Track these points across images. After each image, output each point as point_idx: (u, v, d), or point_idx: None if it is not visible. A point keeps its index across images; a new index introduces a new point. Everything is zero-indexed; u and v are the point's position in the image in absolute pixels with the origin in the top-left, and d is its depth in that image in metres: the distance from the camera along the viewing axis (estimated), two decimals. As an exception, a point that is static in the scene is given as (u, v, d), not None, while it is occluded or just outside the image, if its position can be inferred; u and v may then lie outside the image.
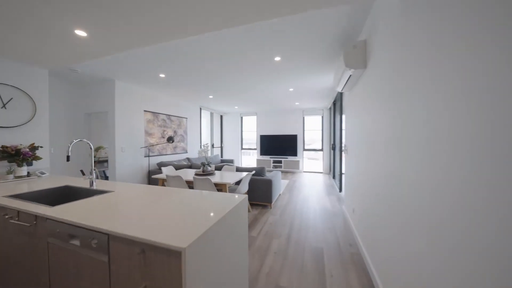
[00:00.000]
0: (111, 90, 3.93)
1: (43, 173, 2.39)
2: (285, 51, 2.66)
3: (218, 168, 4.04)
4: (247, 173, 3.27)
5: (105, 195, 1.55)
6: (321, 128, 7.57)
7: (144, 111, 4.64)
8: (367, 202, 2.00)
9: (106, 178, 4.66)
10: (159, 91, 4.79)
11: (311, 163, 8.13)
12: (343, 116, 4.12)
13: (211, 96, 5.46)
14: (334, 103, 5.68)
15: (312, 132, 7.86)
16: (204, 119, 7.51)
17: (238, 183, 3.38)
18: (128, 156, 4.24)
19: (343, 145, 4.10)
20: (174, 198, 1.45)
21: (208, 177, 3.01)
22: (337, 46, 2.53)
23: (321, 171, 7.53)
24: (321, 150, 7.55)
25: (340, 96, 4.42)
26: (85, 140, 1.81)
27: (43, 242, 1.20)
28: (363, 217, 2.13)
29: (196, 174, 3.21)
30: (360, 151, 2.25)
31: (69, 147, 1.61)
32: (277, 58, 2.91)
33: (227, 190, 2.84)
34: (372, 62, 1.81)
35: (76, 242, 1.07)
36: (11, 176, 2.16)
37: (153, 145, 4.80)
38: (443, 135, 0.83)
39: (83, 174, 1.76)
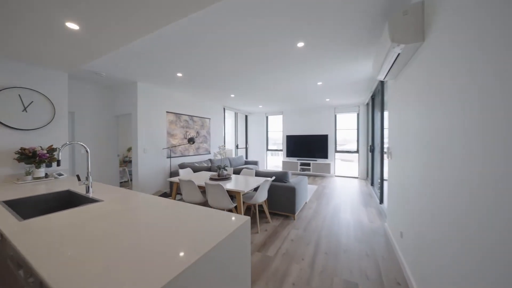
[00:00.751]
0: (134, 92, 3.98)
1: (60, 175, 2.41)
2: (309, 33, 2.18)
3: (237, 171, 3.73)
4: (265, 179, 2.87)
5: (91, 205, 1.35)
6: (356, 127, 6.70)
7: (167, 112, 4.64)
8: (426, 229, 1.41)
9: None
10: (180, 91, 4.74)
11: (344, 167, 7.26)
12: (385, 112, 3.40)
13: (232, 95, 5.22)
14: (373, 98, 4.86)
15: (346, 131, 7.02)
16: (229, 120, 7.36)
17: (257, 189, 3.01)
18: (151, 157, 4.26)
19: (385, 147, 3.38)
20: (164, 215, 1.15)
21: (222, 182, 2.72)
22: (377, 19, 1.95)
23: (356, 176, 6.64)
24: (357, 152, 6.67)
25: (381, 87, 3.68)
26: (80, 143, 1.67)
27: (5, 264, 1.03)
28: (420, 251, 1.53)
29: (210, 178, 2.96)
30: (412, 156, 1.65)
31: (59, 150, 1.47)
32: (300, 44, 2.44)
33: (241, 199, 2.49)
34: (436, 30, 1.24)
35: (21, 273, 0.85)
36: (30, 177, 2.20)
37: (174, 146, 4.77)
38: None
39: (79, 179, 1.62)
